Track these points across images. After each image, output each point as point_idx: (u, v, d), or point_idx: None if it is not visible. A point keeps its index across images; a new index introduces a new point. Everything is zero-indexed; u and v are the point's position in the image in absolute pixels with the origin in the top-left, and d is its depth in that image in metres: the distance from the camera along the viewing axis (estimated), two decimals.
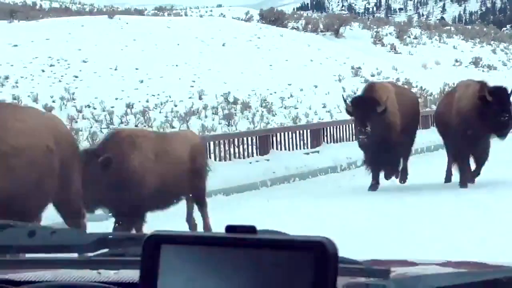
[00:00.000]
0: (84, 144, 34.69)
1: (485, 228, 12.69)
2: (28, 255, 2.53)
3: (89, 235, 2.43)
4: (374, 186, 19.49)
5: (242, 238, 1.62)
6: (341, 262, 1.65)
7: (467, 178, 19.09)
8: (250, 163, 22.98)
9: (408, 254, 7.54)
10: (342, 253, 2.01)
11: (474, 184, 19.14)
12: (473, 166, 19.66)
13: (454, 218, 14.05)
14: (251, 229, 1.65)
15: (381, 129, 18.59)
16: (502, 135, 19.19)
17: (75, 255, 2.40)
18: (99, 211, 13.71)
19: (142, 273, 1.71)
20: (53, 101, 43.02)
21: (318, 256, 1.52)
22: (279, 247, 1.57)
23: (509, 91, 19.03)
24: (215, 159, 22.64)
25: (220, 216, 15.83)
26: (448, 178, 19.91)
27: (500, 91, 18.83)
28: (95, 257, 2.37)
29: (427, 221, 13.83)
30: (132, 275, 1.77)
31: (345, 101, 20.98)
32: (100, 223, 14.90)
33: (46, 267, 2.35)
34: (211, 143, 23.31)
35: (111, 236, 2.43)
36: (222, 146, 23.57)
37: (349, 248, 2.67)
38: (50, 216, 14.42)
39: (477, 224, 13.09)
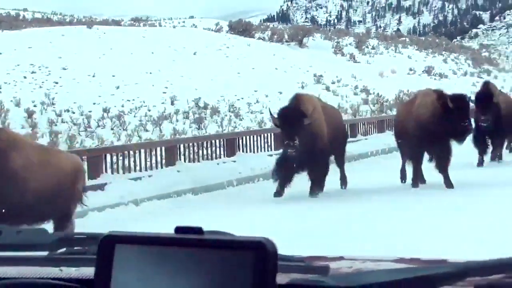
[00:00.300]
0: (63, 146, 34.57)
1: (434, 224, 12.74)
2: None
3: (53, 235, 2.42)
4: (279, 193, 17.64)
5: (189, 239, 1.62)
6: (282, 259, 1.65)
7: (419, 179, 19.01)
8: (218, 164, 22.92)
9: (354, 251, 7.52)
10: (284, 251, 2.01)
11: (426, 185, 19.06)
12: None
13: (401, 214, 14.06)
14: (198, 230, 1.65)
15: (308, 140, 17.19)
16: (461, 140, 19.22)
17: (39, 253, 2.38)
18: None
19: (97, 271, 1.70)
20: (34, 106, 42.81)
21: (258, 255, 1.53)
22: (223, 247, 1.58)
23: (468, 99, 19.21)
24: (185, 161, 22.60)
25: (188, 213, 15.86)
26: (403, 177, 19.81)
27: (460, 98, 18.74)
28: (58, 255, 2.36)
29: (377, 219, 13.83)
30: (92, 272, 1.76)
31: (271, 113, 18.52)
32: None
33: (11, 265, 2.33)
34: (181, 145, 23.26)
35: (73, 236, 2.42)
36: (192, 148, 23.51)
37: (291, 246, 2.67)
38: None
39: (424, 221, 13.13)
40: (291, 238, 10.84)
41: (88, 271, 2.12)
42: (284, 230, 12.37)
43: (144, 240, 1.66)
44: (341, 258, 2.52)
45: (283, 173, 17.74)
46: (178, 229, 1.66)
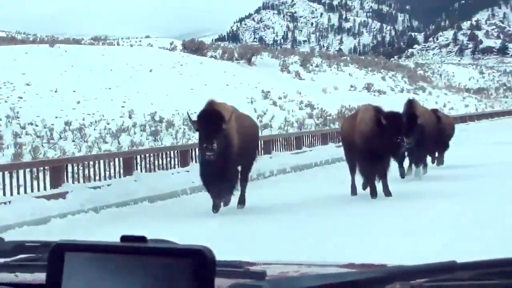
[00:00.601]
0: (27, 157, 34.25)
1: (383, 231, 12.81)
2: None
3: (8, 242, 2.39)
4: (216, 207, 16.29)
5: (133, 247, 1.62)
6: (220, 266, 1.65)
7: (375, 189, 18.30)
8: (173, 174, 22.83)
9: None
10: (225, 257, 2.01)
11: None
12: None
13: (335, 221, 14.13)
14: (142, 239, 1.65)
15: (223, 147, 15.70)
16: (396, 155, 19.22)
17: None
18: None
19: (48, 277, 1.69)
20: (0, 119, 42.38)
21: (197, 262, 1.53)
22: (164, 255, 1.58)
23: (401, 117, 18.83)
24: (141, 171, 22.51)
25: (144, 219, 15.80)
26: (353, 191, 18.90)
27: (393, 116, 18.41)
28: (13, 262, 2.34)
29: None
30: (45, 277, 1.75)
31: (189, 117, 17.36)
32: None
33: None
34: (138, 156, 23.18)
35: (28, 244, 2.39)
36: (148, 159, 23.42)
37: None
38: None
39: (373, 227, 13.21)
40: (235, 243, 10.86)
41: (41, 277, 2.10)
42: (227, 236, 12.38)
43: (91, 248, 1.65)
44: (281, 263, 2.53)
45: (210, 186, 16.34)
46: (124, 238, 1.66)
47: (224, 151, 15.79)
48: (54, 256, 1.67)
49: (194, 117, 16.22)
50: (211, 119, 15.58)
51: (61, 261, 1.67)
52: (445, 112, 74.12)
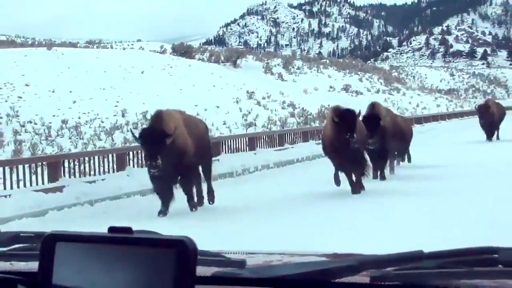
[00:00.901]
0: (26, 153, 34.14)
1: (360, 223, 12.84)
2: None
3: (4, 233, 2.38)
4: (164, 212, 15.63)
5: (119, 237, 1.62)
6: (202, 255, 1.65)
7: (355, 185, 18.02)
8: None
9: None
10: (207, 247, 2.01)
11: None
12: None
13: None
14: (128, 230, 1.64)
15: (173, 157, 15.19)
16: (347, 152, 17.84)
17: None
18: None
19: (40, 266, 1.69)
20: (0, 118, 42.22)
21: (179, 252, 1.53)
22: (149, 245, 1.57)
23: (352, 114, 17.94)
24: (134, 166, 22.47)
25: (137, 212, 15.79)
26: (336, 183, 18.57)
27: (344, 113, 17.72)
28: (9, 251, 2.33)
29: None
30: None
31: (133, 134, 16.48)
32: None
33: None
34: (131, 153, 23.13)
35: (22, 234, 2.39)
36: (140, 155, 23.37)
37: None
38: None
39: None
40: (220, 234, 10.85)
41: (35, 266, 2.09)
42: (213, 228, 12.38)
43: (81, 239, 1.65)
44: (260, 253, 2.53)
45: (161, 192, 15.85)
46: (111, 229, 1.66)
47: (177, 160, 15.39)
48: (46, 246, 1.66)
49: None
50: (152, 137, 15.02)
51: (53, 250, 1.66)
52: (416, 112, 74.70)
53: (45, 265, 1.67)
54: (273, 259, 2.41)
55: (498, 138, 38.00)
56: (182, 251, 1.52)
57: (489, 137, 37.39)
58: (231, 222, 13.51)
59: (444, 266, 1.92)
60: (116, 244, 1.60)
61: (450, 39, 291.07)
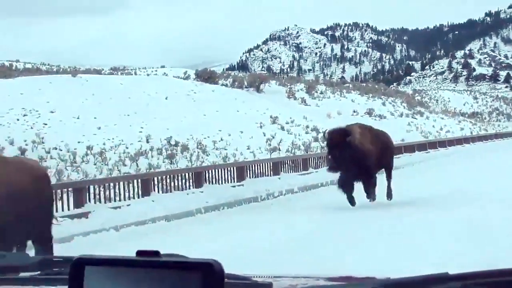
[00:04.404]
0: (52, 179, 34.29)
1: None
2: None
3: (33, 258, 2.41)
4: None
5: (147, 260, 1.63)
6: (230, 278, 1.66)
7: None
8: (188, 194, 22.90)
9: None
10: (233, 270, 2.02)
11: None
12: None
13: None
14: (156, 253, 1.66)
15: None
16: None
17: (22, 274, 2.37)
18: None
19: None
20: (26, 144, 42.52)
21: (206, 274, 1.54)
22: (176, 268, 1.59)
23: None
24: (158, 191, 22.53)
25: (162, 237, 15.79)
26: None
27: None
28: (38, 276, 2.35)
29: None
30: None
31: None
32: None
33: None
34: (155, 178, 23.21)
35: (51, 259, 2.41)
36: (165, 180, 23.46)
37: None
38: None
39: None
40: (247, 258, 10.82)
41: None
42: (239, 251, 12.35)
43: (109, 262, 1.67)
44: (286, 277, 2.53)
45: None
46: (139, 253, 1.68)
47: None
48: (75, 270, 1.68)
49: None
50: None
51: (81, 274, 1.68)
52: (440, 136, 74.34)
53: None
54: (298, 282, 2.41)
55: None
56: (209, 274, 1.53)
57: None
58: (261, 243, 13.47)
59: None
60: (144, 268, 1.62)
61: (473, 62, 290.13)
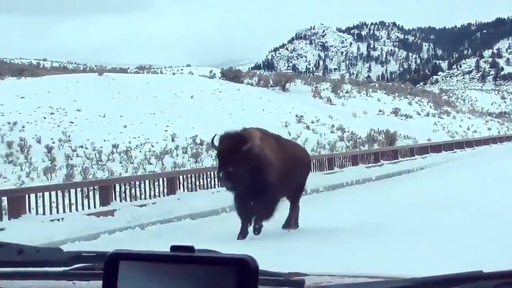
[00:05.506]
0: (78, 177, 34.51)
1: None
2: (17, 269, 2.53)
3: (67, 253, 2.43)
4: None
5: (182, 256, 1.64)
6: (263, 274, 1.67)
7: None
8: (213, 193, 22.81)
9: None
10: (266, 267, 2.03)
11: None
12: None
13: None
14: (190, 248, 1.67)
15: None
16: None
17: (55, 269, 2.39)
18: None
19: (104, 284, 1.72)
20: (53, 142, 42.81)
21: (241, 270, 1.55)
22: (211, 263, 1.60)
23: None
24: (184, 190, 22.56)
25: (187, 235, 15.81)
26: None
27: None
28: (71, 271, 2.37)
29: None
30: (100, 285, 1.78)
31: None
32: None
33: (32, 279, 2.35)
34: (181, 177, 23.24)
35: (84, 254, 2.43)
36: (190, 179, 23.47)
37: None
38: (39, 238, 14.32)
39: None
40: (273, 255, 10.81)
41: (97, 285, 2.13)
42: (265, 247, 12.35)
43: (144, 257, 1.68)
44: (319, 274, 2.53)
45: None
46: (173, 248, 1.69)
47: None
48: (110, 265, 1.69)
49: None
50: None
51: (116, 269, 1.69)
52: (467, 136, 73.83)
53: (108, 283, 1.70)
54: (323, 280, 2.41)
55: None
56: (244, 270, 1.54)
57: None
58: (284, 243, 13.46)
59: (502, 287, 1.91)
60: (178, 263, 1.63)
61: (501, 62, 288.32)
